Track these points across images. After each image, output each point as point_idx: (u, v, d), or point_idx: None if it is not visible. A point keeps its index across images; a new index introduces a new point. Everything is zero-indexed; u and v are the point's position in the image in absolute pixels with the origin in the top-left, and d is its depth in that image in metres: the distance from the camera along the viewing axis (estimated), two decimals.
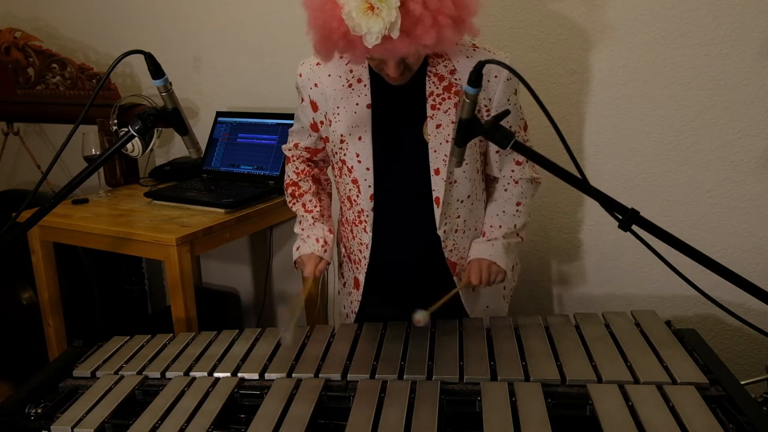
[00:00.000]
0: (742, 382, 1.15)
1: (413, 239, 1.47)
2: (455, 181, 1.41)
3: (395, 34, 1.12)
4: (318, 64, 1.44)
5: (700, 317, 1.91)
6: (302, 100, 1.48)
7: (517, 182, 1.48)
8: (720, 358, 1.23)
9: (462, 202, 1.44)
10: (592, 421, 1.06)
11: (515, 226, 1.49)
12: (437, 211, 1.41)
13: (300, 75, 1.45)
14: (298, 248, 1.52)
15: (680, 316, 1.92)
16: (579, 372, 1.18)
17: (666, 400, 1.07)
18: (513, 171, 1.48)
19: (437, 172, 1.39)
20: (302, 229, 1.54)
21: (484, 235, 1.50)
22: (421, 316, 1.30)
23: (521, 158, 1.46)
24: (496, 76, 1.36)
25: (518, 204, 1.49)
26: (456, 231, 1.46)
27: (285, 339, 1.32)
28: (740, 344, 1.89)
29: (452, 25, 1.17)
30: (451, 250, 1.47)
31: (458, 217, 1.45)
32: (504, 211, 1.49)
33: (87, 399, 1.24)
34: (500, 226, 1.48)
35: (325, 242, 1.50)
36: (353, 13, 1.12)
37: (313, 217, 1.53)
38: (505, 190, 1.49)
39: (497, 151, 1.45)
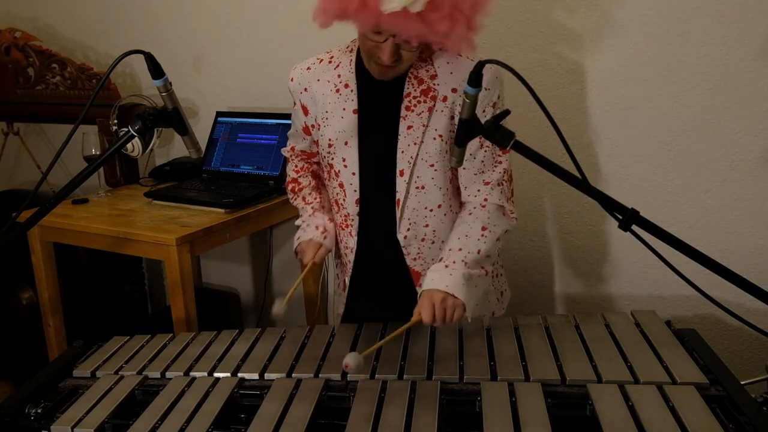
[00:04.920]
0: (742, 382, 1.15)
1: (390, 245, 1.45)
2: (422, 187, 1.38)
3: (416, 8, 1.11)
4: (308, 68, 1.43)
5: (700, 317, 1.91)
6: (294, 103, 1.49)
7: (483, 206, 1.36)
8: (720, 358, 1.23)
9: (431, 210, 1.40)
10: (592, 421, 1.06)
11: (479, 251, 1.32)
12: (397, 214, 1.40)
13: (291, 79, 1.46)
14: (298, 237, 1.51)
15: (680, 316, 1.92)
16: (579, 372, 1.18)
17: (666, 400, 1.07)
18: (479, 191, 1.37)
19: (401, 173, 1.37)
20: (302, 220, 1.54)
21: (440, 260, 1.32)
22: (351, 360, 1.10)
23: (491, 179, 1.37)
24: None
25: (484, 228, 1.34)
26: (423, 240, 1.42)
27: (275, 307, 1.29)
28: (740, 344, 1.89)
29: (464, 23, 1.17)
30: (414, 259, 1.44)
31: (426, 225, 1.41)
32: (467, 235, 1.33)
33: (87, 399, 1.24)
34: (460, 249, 1.31)
35: (325, 229, 1.49)
36: None
37: (312, 208, 1.54)
38: (470, 213, 1.37)
39: (464, 167, 1.37)
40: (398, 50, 1.25)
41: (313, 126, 1.46)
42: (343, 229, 1.48)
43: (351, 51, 1.42)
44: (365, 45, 1.29)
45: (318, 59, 1.45)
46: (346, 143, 1.40)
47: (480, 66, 1.07)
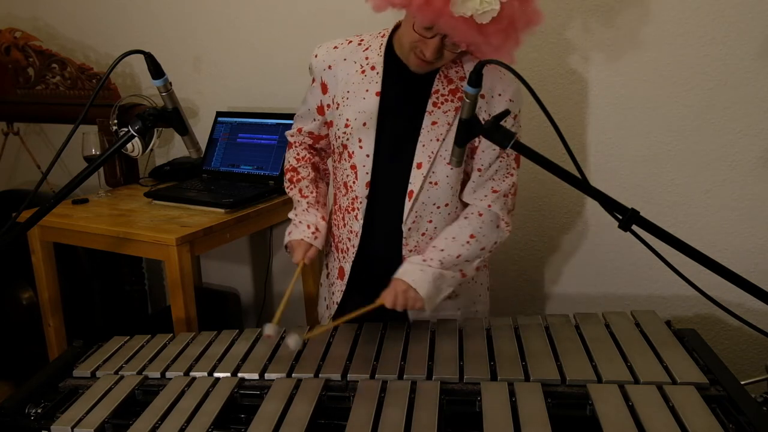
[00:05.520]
0: (742, 382, 1.15)
1: (392, 234, 1.45)
2: (436, 183, 1.40)
3: (483, 20, 1.14)
4: (335, 47, 1.45)
5: (700, 317, 1.91)
6: (313, 80, 1.49)
7: (481, 215, 1.40)
8: (720, 358, 1.23)
9: (438, 207, 1.42)
10: (592, 421, 1.06)
11: (458, 256, 1.38)
12: (407, 205, 1.40)
13: (316, 56, 1.47)
14: (290, 233, 1.52)
15: (680, 316, 1.92)
16: (579, 372, 1.18)
17: (666, 400, 1.07)
18: (486, 196, 1.40)
19: (419, 166, 1.38)
20: (296, 215, 1.54)
21: (421, 254, 1.40)
22: (291, 340, 1.28)
23: (500, 188, 1.41)
24: (500, 94, 1.36)
25: (471, 236, 1.39)
26: (423, 234, 1.44)
27: (266, 330, 1.29)
28: (740, 344, 1.89)
29: (514, 41, 1.21)
30: (410, 250, 1.45)
31: (430, 221, 1.43)
32: (454, 238, 1.39)
33: (87, 399, 1.24)
34: (442, 250, 1.38)
35: (317, 229, 1.50)
36: None
37: (308, 203, 1.53)
38: (465, 217, 1.41)
39: (479, 169, 1.41)
40: (442, 49, 1.27)
41: (329, 105, 1.47)
42: (348, 213, 1.47)
43: (383, 36, 1.43)
44: (410, 36, 1.30)
45: (347, 41, 1.46)
46: (364, 124, 1.40)
47: (480, 66, 1.07)
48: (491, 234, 1.41)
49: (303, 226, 1.50)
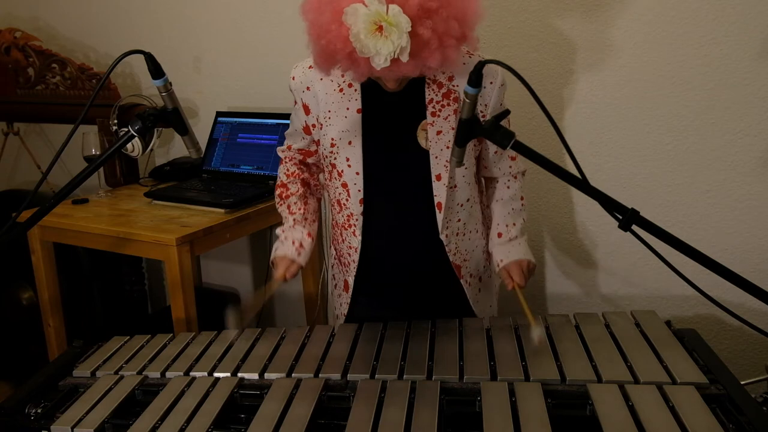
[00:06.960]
0: (742, 382, 1.15)
1: (409, 243, 1.47)
2: (455, 186, 1.42)
3: (405, 58, 1.12)
4: (310, 67, 1.43)
5: (700, 317, 1.91)
6: (295, 102, 1.48)
7: (515, 177, 1.52)
8: (720, 358, 1.23)
9: (462, 205, 1.45)
10: (592, 421, 1.06)
11: (524, 220, 1.53)
12: (439, 216, 1.42)
13: (293, 78, 1.45)
14: (276, 249, 1.53)
15: (680, 316, 1.92)
16: (579, 372, 1.18)
17: (666, 400, 1.07)
18: (511, 167, 1.51)
19: (438, 177, 1.39)
20: (282, 231, 1.55)
21: (500, 236, 1.50)
22: (535, 333, 1.29)
23: (514, 153, 1.45)
24: (491, 82, 1.37)
25: (522, 198, 1.53)
26: (457, 234, 1.47)
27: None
28: (740, 344, 1.89)
29: (456, 45, 1.17)
30: (454, 254, 1.48)
31: (458, 220, 1.46)
32: (513, 209, 1.52)
33: (87, 399, 1.24)
34: (514, 224, 1.51)
35: (301, 245, 1.51)
36: (361, 35, 1.10)
37: (294, 219, 1.54)
38: (508, 187, 1.52)
39: (496, 151, 1.47)
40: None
41: (314, 125, 1.46)
42: (345, 229, 1.48)
43: None
44: None
45: None
46: (349, 143, 1.40)
47: (480, 66, 1.07)
48: (523, 186, 1.55)
49: (288, 243, 1.51)
